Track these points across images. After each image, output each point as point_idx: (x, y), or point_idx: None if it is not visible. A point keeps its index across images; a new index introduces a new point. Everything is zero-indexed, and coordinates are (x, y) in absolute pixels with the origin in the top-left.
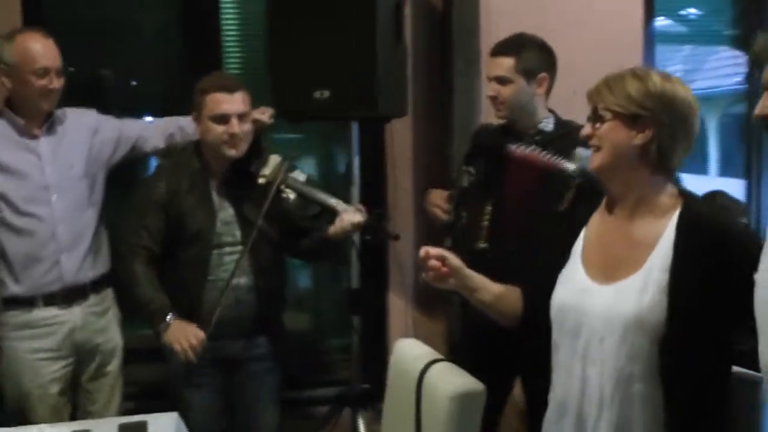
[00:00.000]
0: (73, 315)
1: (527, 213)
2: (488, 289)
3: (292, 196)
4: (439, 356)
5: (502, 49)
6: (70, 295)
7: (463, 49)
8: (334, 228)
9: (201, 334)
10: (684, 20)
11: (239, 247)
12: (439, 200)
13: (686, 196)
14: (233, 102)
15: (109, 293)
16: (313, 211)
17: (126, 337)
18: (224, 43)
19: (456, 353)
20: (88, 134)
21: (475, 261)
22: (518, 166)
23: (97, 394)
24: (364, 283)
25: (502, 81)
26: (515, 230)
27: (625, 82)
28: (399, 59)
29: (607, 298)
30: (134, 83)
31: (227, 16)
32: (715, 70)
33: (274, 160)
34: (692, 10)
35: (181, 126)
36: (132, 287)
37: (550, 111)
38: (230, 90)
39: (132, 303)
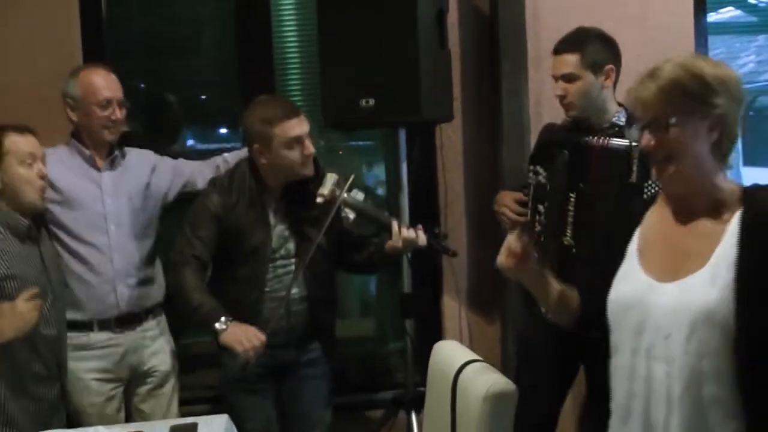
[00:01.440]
0: (128, 339)
1: (614, 202)
2: (554, 285)
3: (351, 216)
4: (475, 357)
5: (565, 46)
6: (125, 321)
7: (510, 51)
8: (395, 244)
9: (262, 336)
10: (755, 10)
11: (293, 260)
12: (509, 201)
13: (746, 188)
14: (303, 124)
15: (163, 319)
16: (370, 229)
17: (186, 344)
18: (278, 58)
19: (520, 346)
20: (147, 171)
21: (556, 258)
22: (599, 156)
23: (151, 416)
24: (417, 287)
25: (569, 78)
26: (603, 223)
27: (680, 79)
28: (443, 64)
29: (672, 294)
30: (193, 101)
31: (281, 28)
32: None
33: (331, 178)
34: None
35: (226, 159)
36: (182, 293)
37: (620, 104)
38: (297, 113)
39: (183, 310)
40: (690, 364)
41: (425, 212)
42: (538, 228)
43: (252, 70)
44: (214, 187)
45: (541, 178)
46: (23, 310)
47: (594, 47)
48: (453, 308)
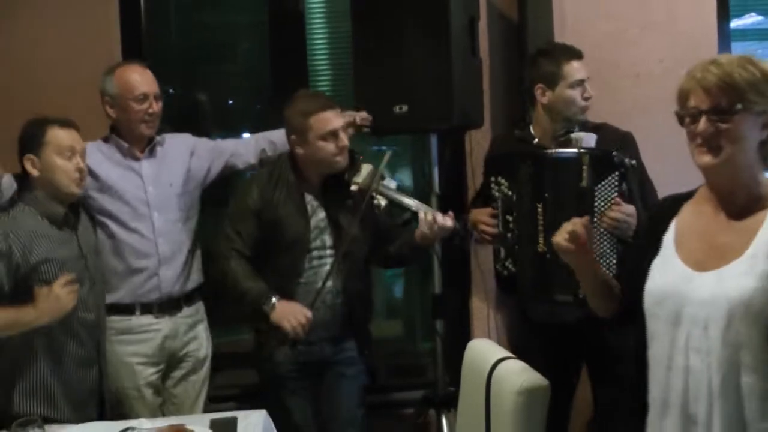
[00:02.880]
0: (167, 324)
1: (574, 207)
2: (599, 273)
3: (383, 202)
4: (509, 354)
5: (580, 52)
6: (165, 305)
7: None
8: (425, 231)
9: (308, 313)
10: None
11: (329, 251)
12: (482, 216)
13: None
14: (339, 117)
15: (200, 306)
16: (403, 217)
17: (223, 342)
18: (311, 65)
19: (519, 353)
20: (186, 155)
21: (533, 264)
22: (556, 166)
23: (182, 399)
24: (446, 288)
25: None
26: None
27: (746, 71)
28: (474, 72)
29: (709, 284)
30: (228, 104)
31: (314, 36)
32: None
33: (367, 168)
34: None
35: (272, 141)
36: (230, 281)
37: None
38: (333, 107)
39: (232, 298)
40: (728, 355)
41: (455, 217)
42: (510, 237)
43: (286, 77)
44: (254, 182)
45: (504, 188)
46: (60, 294)
47: None
48: (481, 309)
